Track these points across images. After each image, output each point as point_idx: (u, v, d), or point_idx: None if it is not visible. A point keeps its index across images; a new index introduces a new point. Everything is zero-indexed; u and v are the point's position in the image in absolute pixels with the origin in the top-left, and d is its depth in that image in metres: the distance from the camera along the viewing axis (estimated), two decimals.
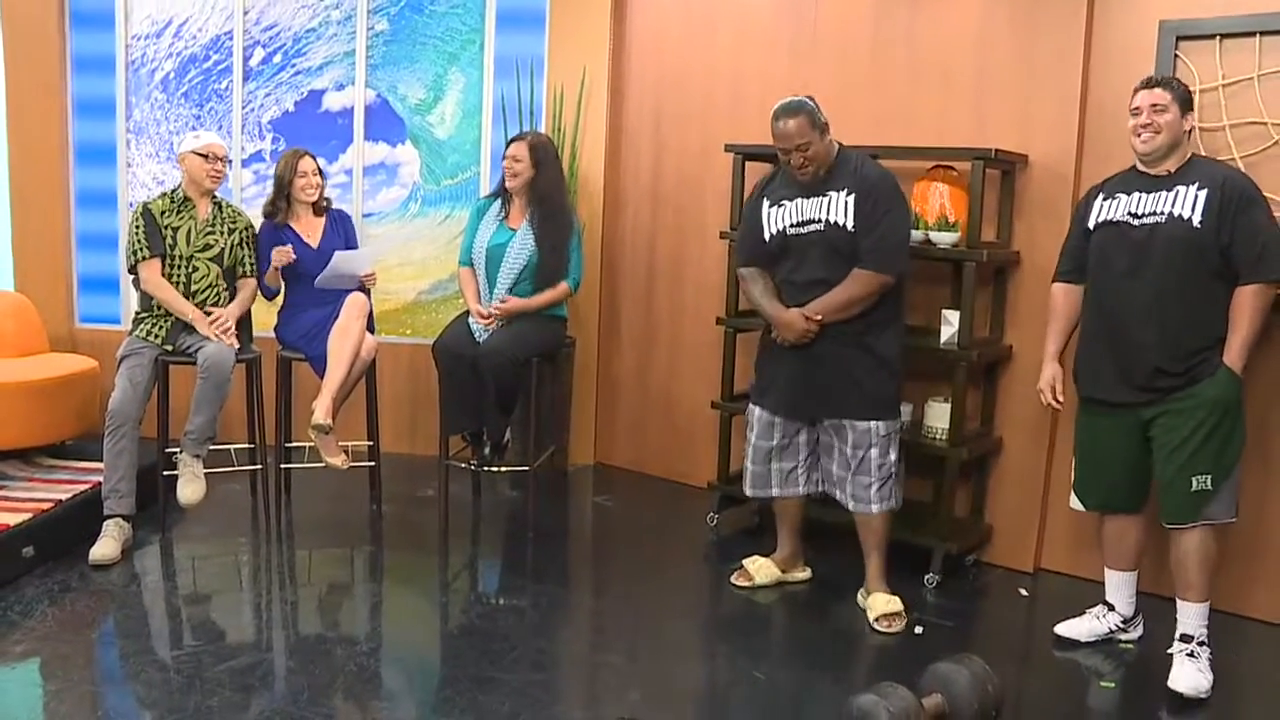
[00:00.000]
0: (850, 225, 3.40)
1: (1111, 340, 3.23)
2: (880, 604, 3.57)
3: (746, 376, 4.54)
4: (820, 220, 3.44)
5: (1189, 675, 3.08)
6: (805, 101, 3.44)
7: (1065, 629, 3.48)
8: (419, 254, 5.37)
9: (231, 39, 5.31)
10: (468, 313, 4.43)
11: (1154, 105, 3.13)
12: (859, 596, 3.69)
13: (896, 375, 3.57)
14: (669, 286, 5.12)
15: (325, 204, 4.52)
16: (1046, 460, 4.04)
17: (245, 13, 5.29)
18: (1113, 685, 3.22)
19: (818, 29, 4.51)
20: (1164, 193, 3.14)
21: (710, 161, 4.82)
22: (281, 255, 4.27)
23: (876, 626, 3.52)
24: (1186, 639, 3.14)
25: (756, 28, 4.70)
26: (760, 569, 3.86)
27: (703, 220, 4.93)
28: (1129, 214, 3.19)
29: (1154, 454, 3.19)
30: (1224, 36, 3.57)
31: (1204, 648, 3.13)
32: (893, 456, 3.57)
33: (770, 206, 3.56)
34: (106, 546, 3.82)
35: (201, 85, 5.35)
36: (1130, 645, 3.44)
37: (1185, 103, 3.15)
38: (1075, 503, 3.47)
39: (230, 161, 4.33)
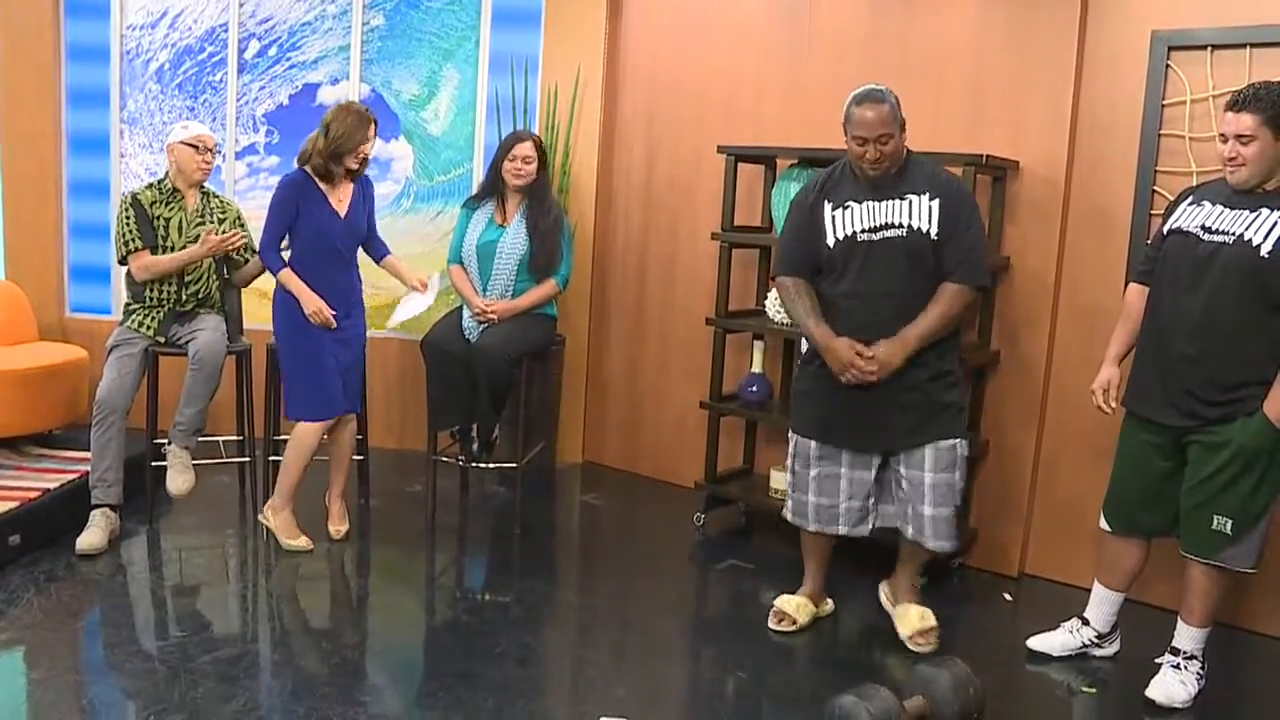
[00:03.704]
0: (934, 232, 3.15)
1: (1158, 354, 3.09)
2: (915, 618, 3.40)
3: (736, 377, 4.58)
4: (901, 225, 3.17)
5: (1167, 685, 3.10)
6: (888, 91, 3.19)
7: (1037, 643, 3.43)
8: (411, 249, 5.35)
9: (227, 31, 5.31)
10: (458, 309, 4.44)
11: (1239, 136, 2.91)
12: (883, 596, 3.62)
13: (960, 386, 3.37)
14: (660, 286, 5.14)
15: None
16: (1033, 466, 4.06)
17: (241, 5, 5.29)
18: (1094, 691, 3.24)
19: (812, 33, 4.53)
20: (1246, 212, 2.95)
21: (703, 162, 4.84)
22: (319, 316, 3.91)
23: (913, 644, 3.36)
24: (1176, 652, 3.14)
25: (751, 30, 4.72)
26: (800, 608, 3.51)
27: (694, 221, 4.94)
28: (1202, 226, 3.01)
29: (1184, 478, 3.08)
30: (1215, 48, 3.59)
31: (1194, 661, 3.12)
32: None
33: (834, 209, 3.25)
34: (93, 536, 3.82)
35: (196, 77, 5.35)
36: (1105, 660, 3.41)
37: (1277, 122, 2.87)
38: (1103, 523, 3.33)
39: (220, 152, 4.28)
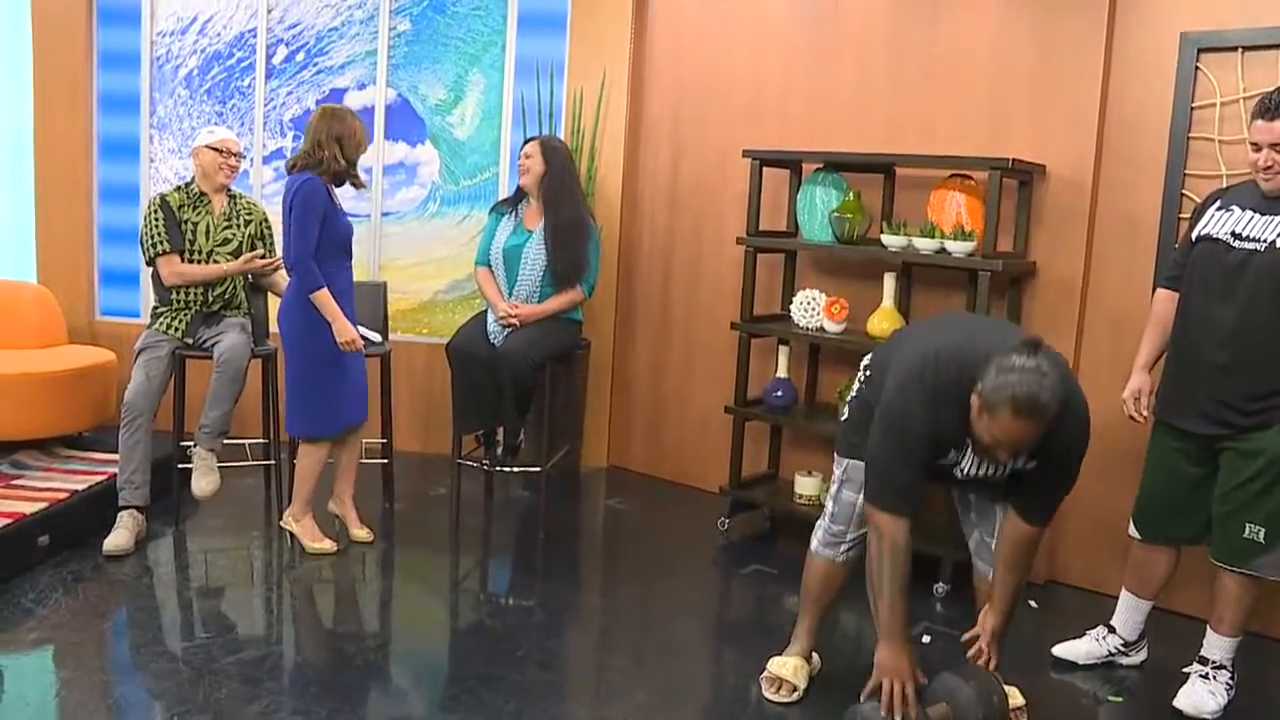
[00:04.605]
0: (1021, 474, 2.72)
1: (1189, 363, 3.05)
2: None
3: (760, 381, 4.56)
4: (1002, 480, 2.76)
5: (1196, 695, 3.05)
6: (1054, 399, 2.43)
7: (1063, 650, 3.39)
8: (437, 254, 5.40)
9: (255, 36, 5.35)
10: (483, 313, 4.46)
11: (1275, 145, 2.86)
12: None
13: None
14: (684, 290, 5.13)
15: None
16: None
17: (269, 11, 5.34)
18: (1120, 700, 3.20)
19: (837, 36, 4.51)
20: (1277, 218, 2.91)
21: (728, 166, 4.83)
22: (353, 346, 3.86)
23: None
24: (1205, 661, 3.09)
25: (775, 34, 4.71)
26: (797, 672, 3.08)
27: (720, 224, 4.93)
28: (1232, 233, 2.97)
29: (1216, 485, 3.04)
30: (1246, 49, 3.54)
31: (1223, 671, 3.07)
32: None
33: (958, 454, 2.70)
34: (120, 537, 3.85)
35: (224, 82, 5.40)
36: (1132, 669, 3.37)
37: None
38: (1133, 530, 3.29)
39: (245, 157, 4.31)
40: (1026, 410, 2.41)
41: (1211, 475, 3.07)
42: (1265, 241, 2.91)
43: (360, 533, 4.13)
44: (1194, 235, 3.10)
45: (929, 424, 2.62)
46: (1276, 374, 2.92)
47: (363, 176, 4.03)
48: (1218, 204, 3.09)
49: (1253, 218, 2.96)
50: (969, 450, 2.67)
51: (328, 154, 3.83)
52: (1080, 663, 3.37)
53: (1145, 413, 3.24)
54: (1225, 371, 2.96)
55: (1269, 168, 2.89)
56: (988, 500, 2.91)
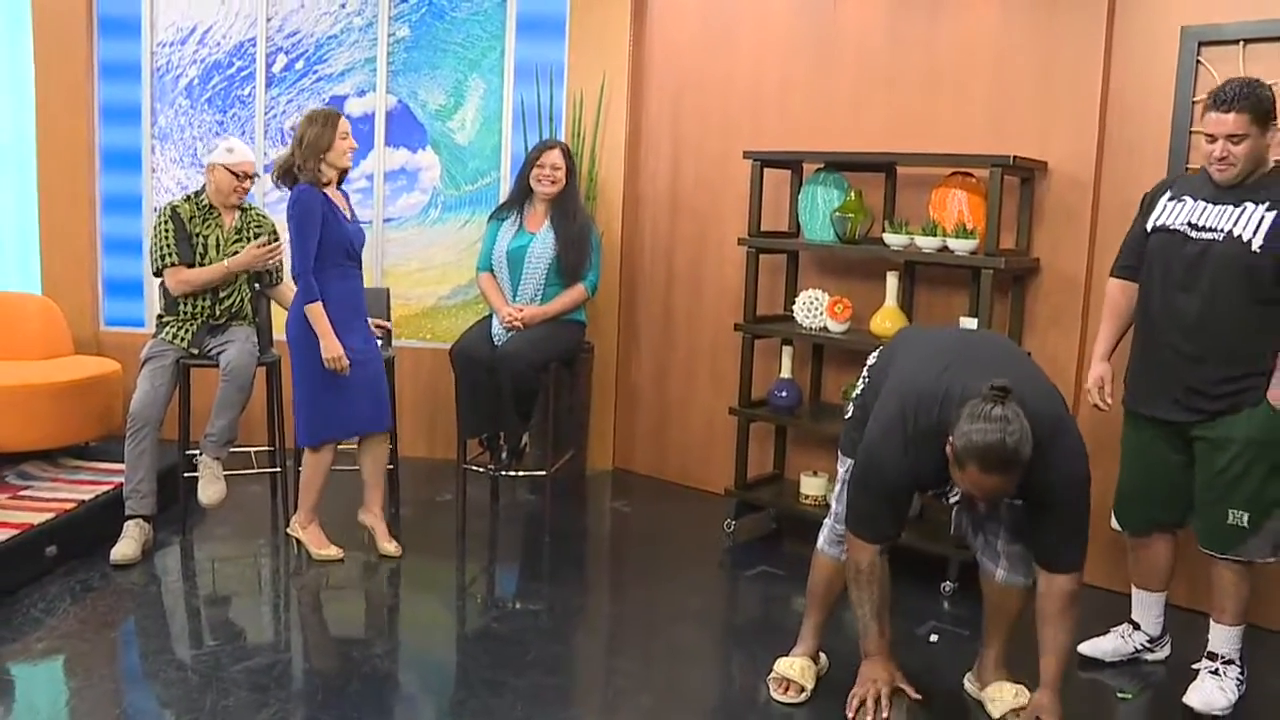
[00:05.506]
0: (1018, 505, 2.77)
1: (1155, 353, 3.09)
2: (1010, 696, 2.96)
3: (764, 382, 4.56)
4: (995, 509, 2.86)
5: (1206, 691, 3.05)
6: (1026, 442, 2.44)
7: (1089, 648, 3.38)
8: (439, 259, 5.40)
9: (254, 46, 5.36)
10: (488, 317, 4.46)
11: (1230, 136, 2.87)
12: (968, 685, 3.12)
13: None
14: (687, 292, 5.13)
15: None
16: None
17: (268, 20, 5.35)
18: (1129, 696, 3.19)
19: (836, 35, 4.51)
20: (1230, 207, 2.94)
21: (729, 167, 4.83)
22: (338, 364, 3.83)
23: None
24: (1213, 656, 3.09)
25: (775, 34, 4.71)
26: (804, 672, 3.09)
27: (721, 226, 4.93)
28: (1188, 223, 3.00)
29: (1195, 475, 3.06)
30: (1248, 42, 3.53)
31: (1232, 666, 3.07)
32: None
33: (944, 487, 2.76)
34: (127, 546, 3.86)
35: (225, 91, 5.41)
36: (1158, 665, 3.37)
37: (1265, 118, 2.86)
38: (1115, 523, 3.33)
39: (258, 177, 4.28)
40: (992, 463, 2.44)
41: (1191, 462, 3.10)
42: (1223, 231, 2.94)
43: (389, 546, 4.07)
44: (1148, 226, 3.14)
45: (906, 468, 2.68)
46: (1243, 359, 2.95)
47: (328, 175, 3.87)
48: (1168, 194, 3.13)
49: (1206, 208, 3.00)
50: (954, 484, 2.67)
51: (296, 161, 3.82)
52: (1107, 660, 3.36)
53: (1110, 400, 3.29)
54: (1194, 360, 3.00)
55: (1223, 159, 2.92)
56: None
